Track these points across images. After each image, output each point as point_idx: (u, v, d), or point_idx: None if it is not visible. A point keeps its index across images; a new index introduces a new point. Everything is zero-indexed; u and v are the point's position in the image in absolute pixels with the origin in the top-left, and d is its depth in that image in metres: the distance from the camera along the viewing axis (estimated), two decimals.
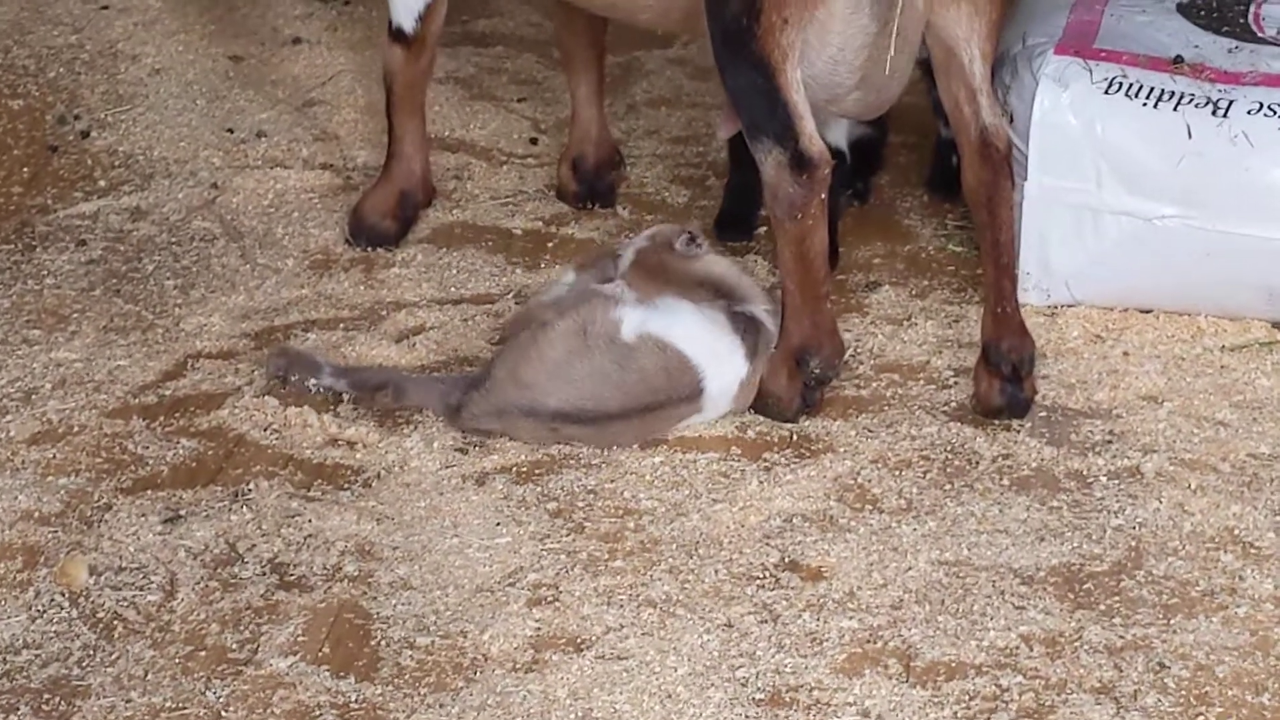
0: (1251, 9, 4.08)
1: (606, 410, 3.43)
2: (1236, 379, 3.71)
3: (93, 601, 3.08)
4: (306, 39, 5.12)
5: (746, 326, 3.54)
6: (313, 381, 3.61)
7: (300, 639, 3.01)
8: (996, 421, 3.57)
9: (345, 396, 3.60)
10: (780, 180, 3.45)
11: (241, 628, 3.03)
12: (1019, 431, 3.55)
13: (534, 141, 4.67)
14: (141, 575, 3.14)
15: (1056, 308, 3.90)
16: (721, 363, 3.50)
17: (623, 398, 3.43)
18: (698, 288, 3.58)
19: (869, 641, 3.01)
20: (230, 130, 4.67)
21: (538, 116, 4.80)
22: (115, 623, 3.03)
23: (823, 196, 3.45)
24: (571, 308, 3.49)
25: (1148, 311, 3.88)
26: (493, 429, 3.49)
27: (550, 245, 4.21)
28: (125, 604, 3.07)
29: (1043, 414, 3.60)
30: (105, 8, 5.21)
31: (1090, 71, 3.83)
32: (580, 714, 2.86)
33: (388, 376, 3.60)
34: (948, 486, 3.39)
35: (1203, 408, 3.61)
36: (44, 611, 3.06)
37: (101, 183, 4.44)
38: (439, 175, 4.44)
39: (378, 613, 3.07)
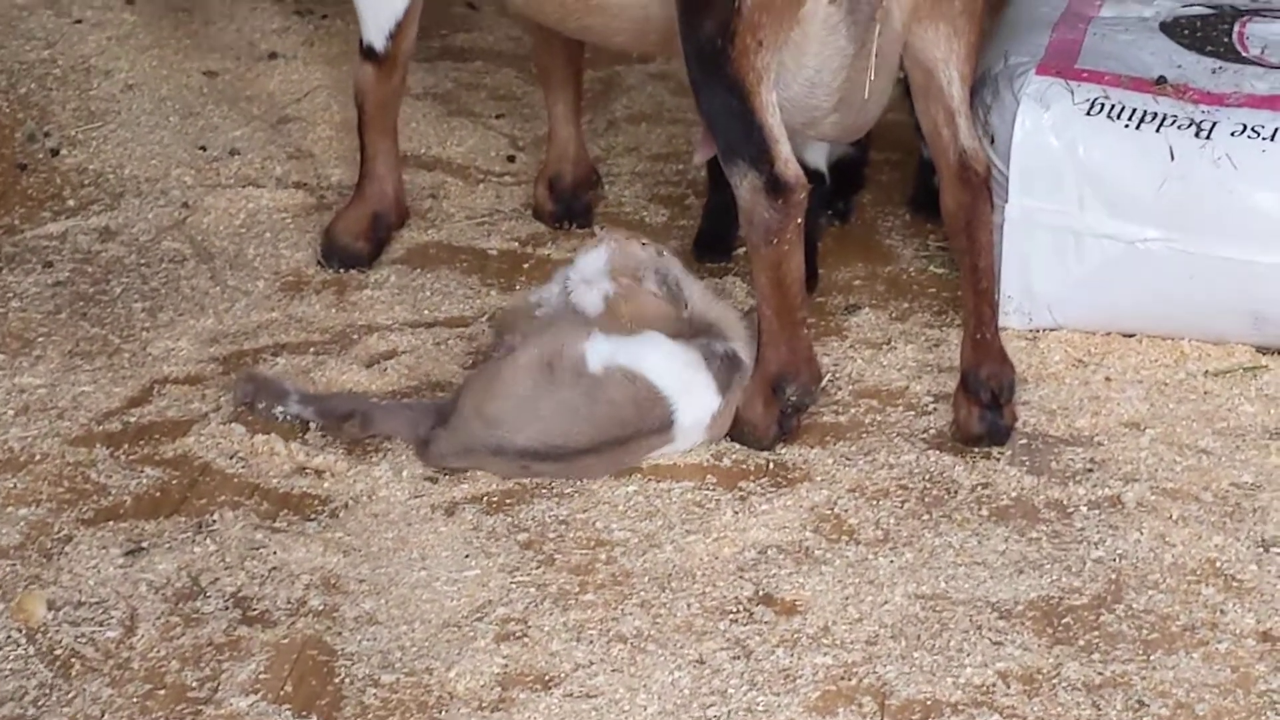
0: (1235, 28, 4.03)
1: (576, 446, 3.36)
2: (1220, 405, 3.66)
3: (50, 638, 3.01)
4: (283, 54, 5.06)
5: (720, 357, 3.47)
6: (279, 409, 3.55)
7: (262, 676, 2.94)
8: (976, 449, 3.52)
9: (313, 424, 3.54)
10: (755, 205, 3.39)
11: (202, 665, 2.96)
12: (999, 460, 3.49)
13: (511, 159, 4.62)
14: (101, 610, 3.07)
15: (1038, 332, 3.85)
16: (693, 394, 3.43)
17: (592, 432, 3.36)
18: (674, 323, 3.50)
19: (843, 679, 2.95)
20: (203, 148, 4.60)
21: (516, 133, 4.74)
22: (73, 660, 2.96)
23: (799, 221, 3.40)
24: (535, 339, 3.41)
25: (1130, 336, 3.83)
26: (461, 466, 3.42)
27: (526, 266, 4.15)
28: (84, 640, 3.00)
29: (1023, 441, 3.55)
30: (79, 22, 5.15)
31: (1072, 92, 3.77)
32: None
33: (355, 405, 3.53)
34: (925, 517, 3.33)
35: (1185, 435, 3.56)
36: None
37: (70, 202, 4.38)
38: (415, 193, 4.38)
39: (342, 649, 3.00)
